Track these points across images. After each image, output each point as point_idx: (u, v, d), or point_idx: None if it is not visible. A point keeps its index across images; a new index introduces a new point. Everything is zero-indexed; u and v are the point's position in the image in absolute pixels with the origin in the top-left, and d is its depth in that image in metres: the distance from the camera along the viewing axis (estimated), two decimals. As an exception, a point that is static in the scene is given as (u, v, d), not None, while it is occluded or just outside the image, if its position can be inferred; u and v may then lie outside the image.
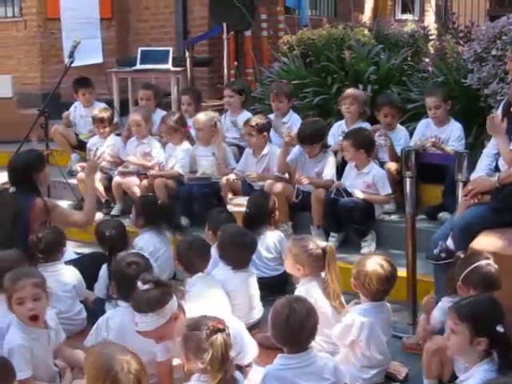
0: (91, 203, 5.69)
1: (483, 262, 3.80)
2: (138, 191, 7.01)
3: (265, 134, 6.70)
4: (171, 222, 6.17)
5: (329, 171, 6.33)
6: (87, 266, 5.24)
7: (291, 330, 3.50)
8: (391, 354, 4.25)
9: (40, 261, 4.92)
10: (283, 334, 3.53)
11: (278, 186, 6.30)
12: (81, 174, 6.96)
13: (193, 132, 7.36)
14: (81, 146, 8.24)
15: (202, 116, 7.09)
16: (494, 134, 4.86)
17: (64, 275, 4.98)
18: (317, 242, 4.41)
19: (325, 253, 4.35)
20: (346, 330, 4.06)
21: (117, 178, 7.26)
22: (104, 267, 5.16)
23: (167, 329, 3.82)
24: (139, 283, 3.82)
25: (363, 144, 6.08)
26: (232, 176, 6.74)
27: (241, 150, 7.22)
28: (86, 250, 6.15)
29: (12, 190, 5.41)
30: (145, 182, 7.05)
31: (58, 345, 4.13)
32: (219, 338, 3.26)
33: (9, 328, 3.98)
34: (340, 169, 6.42)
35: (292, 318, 3.50)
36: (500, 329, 3.24)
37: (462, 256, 4.04)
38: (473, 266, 3.78)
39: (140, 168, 7.27)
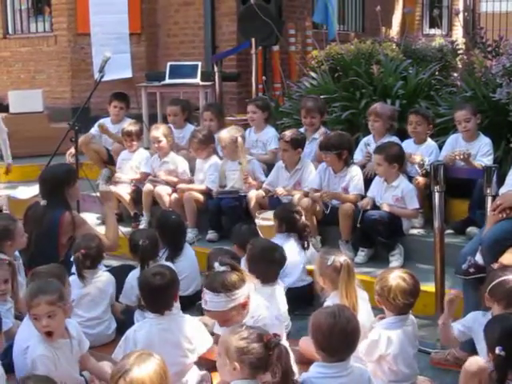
0: (114, 229, 5.62)
1: (510, 277, 3.77)
2: (168, 200, 7.04)
3: (299, 149, 6.70)
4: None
5: (355, 185, 6.34)
6: (116, 278, 5.23)
7: (352, 337, 3.46)
8: (419, 370, 4.22)
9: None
10: (339, 341, 3.44)
11: (305, 201, 6.31)
12: (111, 187, 6.98)
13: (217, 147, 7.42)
14: (112, 161, 8.27)
15: (224, 134, 7.12)
16: None
17: (101, 282, 5.04)
18: (337, 256, 4.36)
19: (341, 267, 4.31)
20: (372, 346, 4.03)
21: (148, 186, 7.25)
22: (131, 274, 5.20)
23: (234, 314, 3.90)
24: (216, 264, 3.93)
25: (396, 158, 6.09)
26: (261, 192, 6.77)
27: (269, 165, 7.23)
28: (113, 263, 6.17)
29: (43, 203, 5.46)
30: (174, 195, 7.08)
31: (82, 354, 4.11)
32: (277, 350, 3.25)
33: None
34: (365, 182, 6.41)
35: (351, 325, 3.46)
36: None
37: (495, 267, 4.03)
38: (500, 279, 3.76)
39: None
